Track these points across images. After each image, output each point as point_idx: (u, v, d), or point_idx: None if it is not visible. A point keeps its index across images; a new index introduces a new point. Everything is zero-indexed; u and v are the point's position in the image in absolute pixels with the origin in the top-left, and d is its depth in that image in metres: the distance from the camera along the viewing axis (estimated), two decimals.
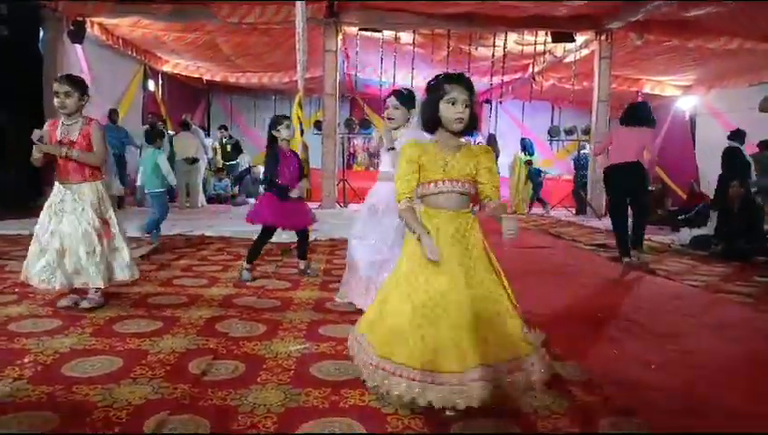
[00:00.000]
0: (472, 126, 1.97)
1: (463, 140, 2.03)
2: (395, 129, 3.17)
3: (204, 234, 6.43)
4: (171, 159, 10.07)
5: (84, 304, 3.12)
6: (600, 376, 2.29)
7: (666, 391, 2.17)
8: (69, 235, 3.06)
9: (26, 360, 2.29)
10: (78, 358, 2.33)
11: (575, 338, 2.85)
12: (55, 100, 3.07)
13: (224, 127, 12.45)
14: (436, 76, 1.99)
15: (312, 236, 6.28)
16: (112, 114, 9.41)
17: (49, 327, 2.75)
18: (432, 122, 1.98)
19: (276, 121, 4.13)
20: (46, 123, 3.18)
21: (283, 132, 4.08)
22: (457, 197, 1.95)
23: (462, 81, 1.94)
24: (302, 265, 4.36)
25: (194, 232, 6.53)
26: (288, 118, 4.26)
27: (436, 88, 1.95)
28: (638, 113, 5.29)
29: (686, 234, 7.11)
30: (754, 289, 4.35)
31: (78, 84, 3.11)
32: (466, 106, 1.92)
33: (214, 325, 2.87)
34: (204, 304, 3.31)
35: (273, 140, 4.09)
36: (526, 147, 11.15)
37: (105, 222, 3.19)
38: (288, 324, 2.93)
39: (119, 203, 9.54)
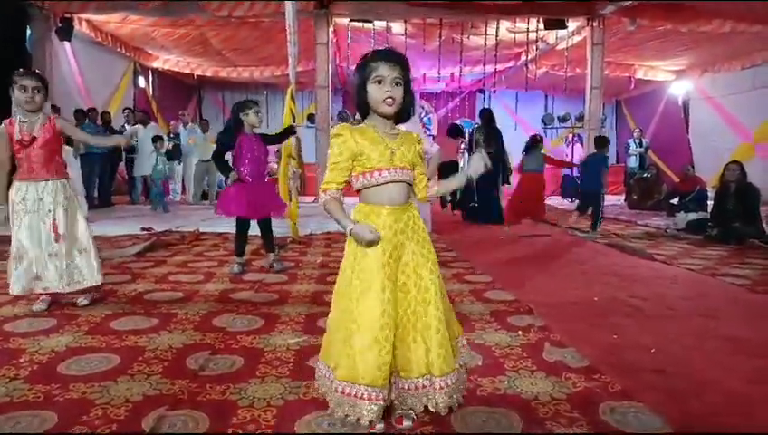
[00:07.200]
0: (405, 111, 1.74)
1: (402, 127, 1.80)
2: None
3: (198, 229, 6.40)
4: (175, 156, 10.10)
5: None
6: (600, 361, 2.29)
7: (665, 374, 2.18)
8: (32, 237, 2.98)
9: (22, 359, 2.27)
10: (74, 356, 2.31)
11: (574, 324, 2.85)
12: (23, 94, 2.94)
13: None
14: (364, 55, 1.74)
15: (306, 230, 6.30)
16: (104, 115, 9.36)
17: (45, 326, 2.73)
18: (363, 107, 1.75)
19: (245, 105, 3.94)
20: (2, 123, 3.02)
21: (251, 117, 3.92)
22: (405, 187, 1.75)
23: (391, 56, 1.69)
24: (270, 257, 4.20)
25: (188, 228, 6.51)
26: (257, 103, 4.07)
27: (362, 67, 1.71)
28: None
29: (681, 218, 7.13)
30: (751, 271, 4.36)
31: (45, 81, 3.07)
32: (397, 84, 1.68)
33: (211, 320, 2.86)
34: (200, 300, 3.29)
35: (239, 124, 3.91)
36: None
37: (73, 223, 3.10)
38: (286, 318, 2.91)
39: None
